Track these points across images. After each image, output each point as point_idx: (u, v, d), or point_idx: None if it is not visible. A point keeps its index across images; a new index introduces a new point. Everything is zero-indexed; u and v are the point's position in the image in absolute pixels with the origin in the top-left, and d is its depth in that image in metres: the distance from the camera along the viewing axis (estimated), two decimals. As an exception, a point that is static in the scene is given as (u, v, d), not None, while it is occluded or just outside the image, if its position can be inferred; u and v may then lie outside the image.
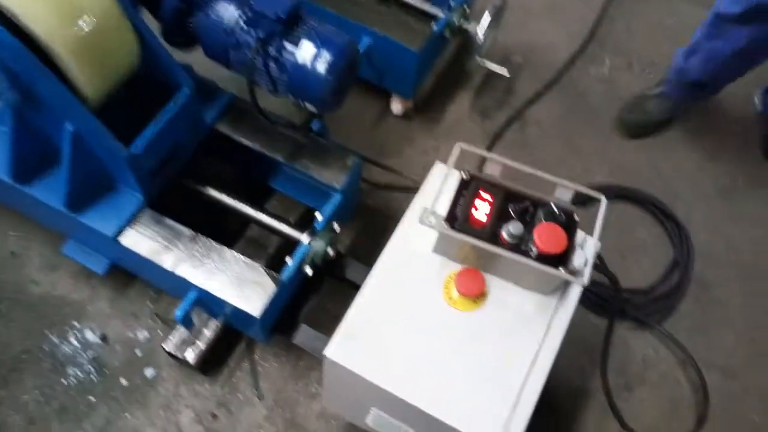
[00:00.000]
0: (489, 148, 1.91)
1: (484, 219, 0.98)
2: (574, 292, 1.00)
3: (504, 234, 0.96)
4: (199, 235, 1.35)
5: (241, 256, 1.33)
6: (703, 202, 1.83)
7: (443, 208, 0.99)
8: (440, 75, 2.00)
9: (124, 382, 1.48)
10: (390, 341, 0.97)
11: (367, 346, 0.96)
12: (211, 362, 1.49)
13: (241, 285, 1.30)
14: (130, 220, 1.34)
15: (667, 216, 1.76)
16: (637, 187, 1.82)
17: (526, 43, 2.11)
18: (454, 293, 0.99)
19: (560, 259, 0.95)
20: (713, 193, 1.86)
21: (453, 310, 0.99)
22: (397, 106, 1.92)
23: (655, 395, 1.53)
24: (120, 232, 1.33)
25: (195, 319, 1.44)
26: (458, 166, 1.04)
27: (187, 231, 1.35)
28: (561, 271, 0.94)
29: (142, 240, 1.33)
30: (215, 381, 1.50)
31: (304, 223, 1.47)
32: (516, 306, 1.00)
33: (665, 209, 1.76)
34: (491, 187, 1.01)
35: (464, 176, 1.01)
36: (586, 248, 1.00)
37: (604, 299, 1.59)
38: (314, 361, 1.51)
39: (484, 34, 1.76)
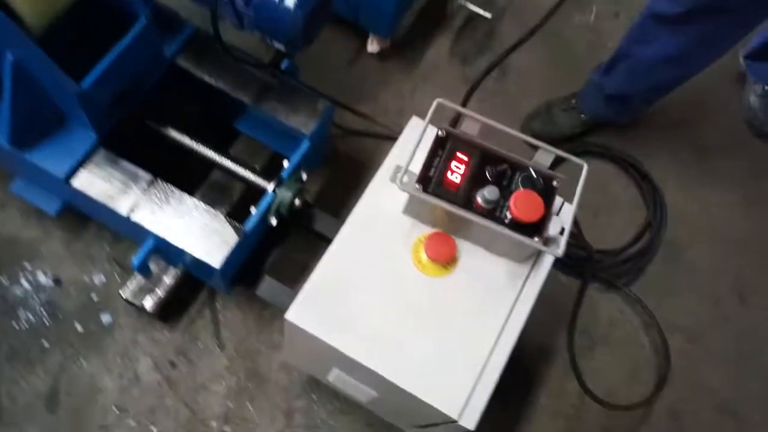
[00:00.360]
0: (468, 96, 1.83)
1: (458, 181, 0.92)
2: (547, 261, 0.96)
3: (479, 199, 0.90)
4: (158, 179, 1.27)
5: (203, 204, 1.26)
6: (679, 164, 1.80)
7: (417, 166, 0.93)
8: (420, 14, 1.89)
9: (78, 327, 1.43)
10: (354, 305, 0.93)
11: (330, 309, 0.92)
12: (171, 310, 1.44)
13: (202, 234, 1.24)
14: (83, 161, 1.25)
15: (643, 176, 1.73)
16: (614, 145, 1.77)
17: (511, -16, 2.01)
18: (423, 257, 0.95)
19: (535, 228, 0.90)
20: (690, 155, 1.82)
21: (421, 275, 0.95)
22: (373, 46, 1.82)
23: (618, 357, 1.54)
24: (71, 173, 1.24)
25: (154, 265, 1.38)
26: (435, 120, 0.97)
27: (145, 174, 1.27)
28: (535, 241, 0.89)
29: (95, 182, 1.25)
30: (175, 329, 1.46)
31: (271, 169, 1.40)
32: (487, 273, 0.96)
33: (641, 169, 1.73)
34: (468, 146, 0.95)
35: (440, 133, 0.95)
36: (563, 215, 0.96)
37: (575, 260, 1.58)
38: (278, 310, 1.46)
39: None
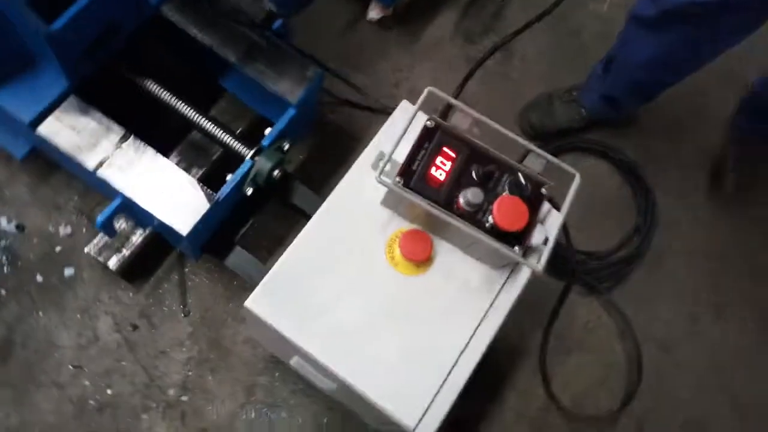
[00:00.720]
0: (468, 76, 1.74)
1: (442, 178, 0.86)
2: (525, 272, 0.91)
3: (461, 200, 0.85)
4: (132, 135, 1.20)
5: (176, 166, 1.20)
6: (677, 167, 1.75)
7: (402, 154, 0.87)
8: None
9: (39, 278, 1.37)
10: (319, 297, 0.88)
11: (292, 299, 0.87)
12: (138, 270, 1.39)
13: (172, 198, 1.18)
14: (51, 107, 1.18)
15: (637, 178, 1.67)
16: (610, 143, 1.71)
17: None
18: (397, 254, 0.90)
19: (517, 237, 0.86)
20: (689, 158, 1.77)
21: (394, 272, 0.90)
22: (374, 13, 1.73)
23: (590, 362, 1.52)
24: (38, 119, 1.17)
25: (123, 222, 1.33)
26: (428, 104, 0.91)
27: (118, 128, 1.20)
28: (515, 252, 0.84)
29: (63, 131, 1.18)
30: (140, 290, 1.41)
31: (253, 133, 1.33)
32: (462, 277, 0.92)
33: (636, 171, 1.67)
34: (456, 141, 0.89)
35: (428, 124, 0.89)
36: (550, 224, 0.90)
37: (559, 261, 1.53)
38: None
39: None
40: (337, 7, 1.73)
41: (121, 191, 1.17)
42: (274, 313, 0.86)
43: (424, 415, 0.84)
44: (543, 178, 0.89)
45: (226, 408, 1.36)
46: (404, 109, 0.98)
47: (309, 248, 0.90)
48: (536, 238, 0.88)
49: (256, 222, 1.40)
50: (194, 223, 1.16)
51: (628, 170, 1.68)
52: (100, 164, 1.17)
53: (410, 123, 0.88)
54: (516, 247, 0.85)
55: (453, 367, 0.87)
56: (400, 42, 1.75)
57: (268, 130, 1.29)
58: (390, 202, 0.90)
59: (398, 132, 0.87)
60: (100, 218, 1.18)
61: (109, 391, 1.33)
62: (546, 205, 0.95)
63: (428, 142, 0.88)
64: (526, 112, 1.71)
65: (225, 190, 1.20)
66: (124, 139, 1.19)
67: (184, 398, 1.35)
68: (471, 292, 0.91)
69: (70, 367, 1.33)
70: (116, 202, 1.19)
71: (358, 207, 0.93)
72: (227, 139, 1.28)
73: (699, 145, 1.78)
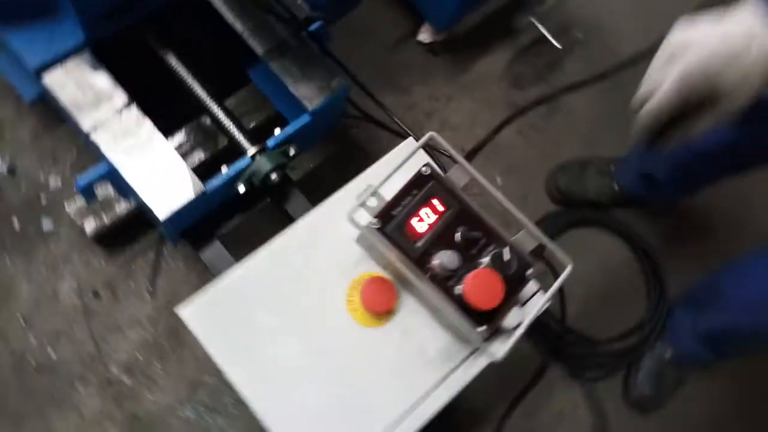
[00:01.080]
0: (506, 122, 1.67)
1: (422, 231, 0.79)
2: (483, 360, 0.82)
3: (435, 260, 0.77)
4: (136, 105, 1.15)
5: (172, 147, 1.15)
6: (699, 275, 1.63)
7: (391, 193, 0.80)
8: (487, 18, 1.72)
9: (16, 224, 1.34)
10: (261, 326, 0.81)
11: (231, 321, 0.80)
12: (115, 240, 1.34)
13: (159, 179, 1.12)
14: (62, 58, 1.14)
15: (655, 272, 1.56)
16: (637, 228, 1.60)
17: (594, 20, 1.82)
18: (358, 300, 0.82)
19: (486, 316, 0.77)
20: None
21: (348, 319, 0.83)
22: (424, 35, 1.67)
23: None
24: (45, 66, 1.13)
25: (111, 189, 1.28)
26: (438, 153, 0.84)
27: (123, 95, 1.15)
28: (478, 332, 0.76)
29: (67, 85, 1.13)
30: (113, 259, 1.36)
31: (268, 129, 1.27)
32: (420, 341, 0.84)
33: (656, 266, 1.56)
34: (448, 196, 0.81)
35: (423, 170, 0.81)
36: (529, 309, 0.81)
37: (549, 333, 1.44)
38: (222, 278, 1.36)
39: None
40: (390, 22, 1.67)
41: (109, 159, 1.12)
42: (207, 328, 0.79)
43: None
44: (531, 259, 0.81)
45: (166, 400, 1.30)
46: (408, 146, 0.90)
47: (265, 268, 0.84)
48: (509, 321, 0.79)
49: (244, 221, 1.34)
50: (174, 210, 1.11)
51: (648, 262, 1.57)
52: (95, 127, 1.12)
53: (405, 162, 0.80)
54: (482, 327, 0.77)
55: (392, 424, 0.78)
56: (445, 71, 1.68)
57: (277, 131, 1.23)
58: (363, 241, 0.82)
59: (395, 165, 0.80)
60: (80, 181, 1.14)
61: (52, 354, 1.28)
62: (532, 286, 0.86)
63: (418, 190, 0.81)
64: (556, 173, 1.61)
65: (215, 183, 1.15)
66: (126, 107, 1.15)
67: (126, 380, 1.30)
68: (426, 360, 0.83)
69: (21, 319, 1.29)
70: (101, 169, 1.14)
71: (332, 238, 0.86)
72: (233, 130, 1.22)
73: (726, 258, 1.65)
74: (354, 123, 1.56)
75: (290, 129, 1.23)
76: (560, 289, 1.42)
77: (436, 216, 0.80)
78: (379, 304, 0.81)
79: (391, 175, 0.80)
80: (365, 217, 0.78)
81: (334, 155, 1.50)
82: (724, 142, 1.23)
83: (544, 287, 0.87)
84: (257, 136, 1.22)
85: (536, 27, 1.65)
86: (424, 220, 0.79)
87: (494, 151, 1.63)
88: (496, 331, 0.82)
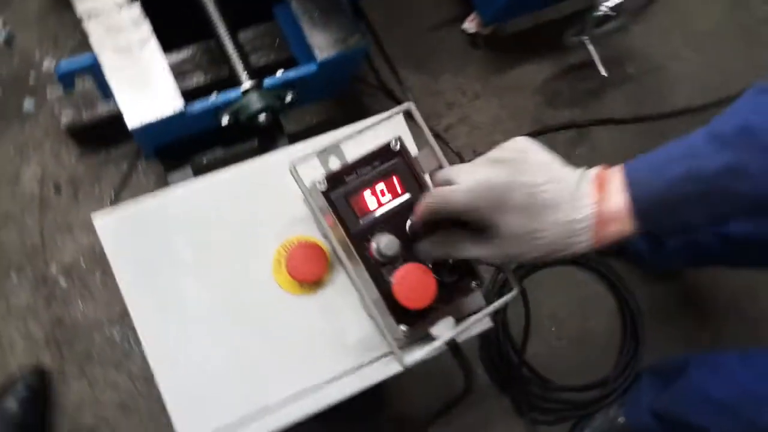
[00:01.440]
0: (529, 136, 1.57)
1: (372, 208, 0.71)
2: (411, 357, 0.74)
3: (373, 243, 0.69)
4: (140, 5, 1.08)
5: (164, 59, 1.08)
6: (685, 340, 1.52)
7: (354, 154, 0.72)
8: (538, 25, 1.62)
9: (-2, 95, 1.29)
10: (176, 260, 0.74)
11: (146, 247, 0.73)
12: (90, 139, 1.29)
13: (140, 87, 1.06)
14: (78, -64, 1.08)
15: (634, 332, 1.46)
16: (628, 281, 1.50)
17: (653, 60, 1.70)
18: (282, 263, 0.75)
19: (413, 316, 0.69)
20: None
21: (270, 279, 0.76)
22: (470, 25, 1.58)
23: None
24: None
25: (93, 86, 1.22)
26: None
27: (131, -10, 1.09)
28: (395, 331, 0.68)
29: (76, -35, 1.07)
30: (84, 159, 1.31)
31: (275, 71, 1.20)
32: (341, 323, 0.76)
33: (636, 323, 1.46)
34: (411, 179, 0.73)
35: (393, 144, 0.73)
36: (465, 325, 0.72)
37: (504, 361, 1.36)
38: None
39: (608, 10, 1.38)
40: (435, 4, 1.58)
41: (95, 51, 1.06)
42: (119, 244, 0.72)
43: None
44: (479, 271, 0.72)
45: (96, 314, 1.25)
46: (399, 111, 0.80)
47: (201, 200, 0.76)
48: (438, 329, 0.71)
49: (224, 156, 1.27)
50: (145, 122, 1.04)
51: (630, 320, 1.47)
52: (89, 15, 1.06)
53: (395, 125, 0.72)
54: (402, 326, 0.69)
55: (278, 410, 0.71)
56: (480, 67, 1.59)
57: (279, 72, 1.16)
58: (309, 202, 0.74)
59: (374, 126, 0.72)
60: (62, 66, 1.08)
61: (-5, 236, 1.24)
62: (478, 301, 0.78)
63: (380, 162, 0.72)
64: None
65: (197, 106, 1.08)
66: (129, 3, 1.08)
67: (63, 282, 1.25)
68: (341, 345, 0.75)
69: (-25, 193, 1.24)
70: (85, 60, 1.08)
71: (280, 189, 0.78)
72: (234, 58, 1.14)
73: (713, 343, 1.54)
74: (369, 91, 1.48)
75: (292, 73, 1.15)
76: (527, 319, 1.37)
77: (392, 196, 0.71)
78: (304, 272, 0.73)
79: (353, 135, 0.72)
80: (315, 176, 0.70)
81: (337, 117, 1.43)
82: (756, 234, 1.13)
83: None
84: (261, 75, 1.15)
85: (587, 48, 1.54)
86: (376, 197, 0.71)
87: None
88: (426, 337, 0.74)
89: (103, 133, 1.26)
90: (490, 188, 0.60)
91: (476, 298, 0.78)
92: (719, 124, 0.58)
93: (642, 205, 0.58)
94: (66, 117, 1.22)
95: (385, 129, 0.77)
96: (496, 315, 1.41)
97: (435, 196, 0.64)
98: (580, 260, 1.48)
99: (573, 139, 1.61)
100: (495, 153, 0.64)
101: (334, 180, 0.70)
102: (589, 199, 0.59)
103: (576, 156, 1.59)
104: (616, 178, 0.60)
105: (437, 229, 0.68)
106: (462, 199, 0.61)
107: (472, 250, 0.64)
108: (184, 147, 1.20)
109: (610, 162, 0.64)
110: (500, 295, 0.73)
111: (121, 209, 0.74)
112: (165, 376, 0.71)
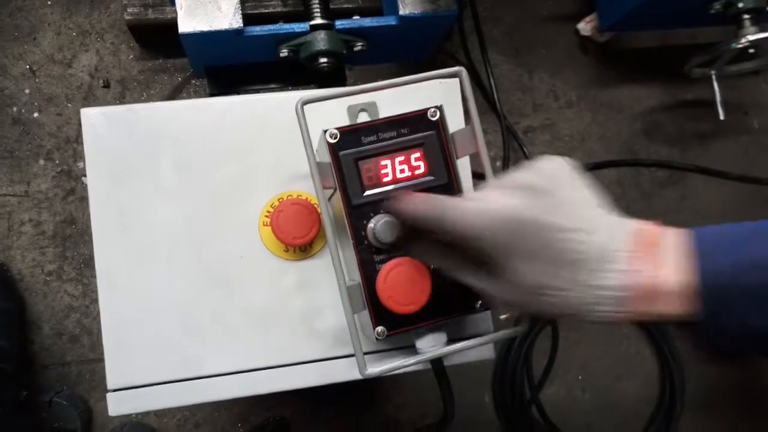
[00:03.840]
0: (615, 164, 1.40)
1: (384, 181, 0.59)
2: (382, 365, 0.62)
3: (370, 224, 0.57)
4: None
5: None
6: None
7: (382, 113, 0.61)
8: (663, 46, 1.43)
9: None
10: (157, 178, 0.65)
11: (130, 153, 0.65)
12: (152, 42, 1.23)
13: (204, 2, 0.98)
14: None
15: (671, 406, 1.27)
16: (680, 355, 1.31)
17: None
18: (272, 218, 0.64)
19: (402, 319, 0.57)
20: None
21: (253, 231, 0.65)
22: (585, 27, 1.41)
23: None
24: None
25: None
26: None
27: None
28: (370, 334, 0.57)
29: None
30: (141, 61, 1.25)
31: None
32: (318, 304, 0.65)
33: (675, 393, 1.27)
34: (438, 159, 0.60)
35: (431, 114, 0.60)
36: (461, 348, 0.60)
37: (515, 394, 1.21)
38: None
39: (748, 43, 1.19)
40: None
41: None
42: (100, 141, 0.64)
43: (125, 391, 0.60)
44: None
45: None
46: (448, 75, 0.67)
47: (207, 120, 0.67)
48: (423, 343, 0.59)
49: (273, 87, 1.19)
50: (197, 30, 0.96)
51: (670, 392, 1.28)
52: None
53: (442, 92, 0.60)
54: (380, 328, 0.57)
55: (213, 385, 0.61)
56: (583, 74, 1.42)
57: (355, 18, 1.05)
58: (321, 155, 0.63)
59: (414, 90, 0.61)
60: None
61: (36, 114, 1.20)
62: (485, 325, 0.65)
63: (409, 131, 0.60)
64: None
65: (254, 29, 0.99)
66: None
67: (85, 181, 1.20)
68: (310, 329, 0.64)
69: (27, 66, 1.20)
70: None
71: (292, 132, 0.67)
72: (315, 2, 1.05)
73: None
74: (452, 64, 1.34)
75: (368, 22, 1.04)
76: (550, 359, 1.22)
77: (410, 174, 0.59)
78: (287, 234, 0.62)
79: (384, 87, 0.59)
80: (329, 125, 0.59)
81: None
82: None
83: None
84: (339, 16, 1.05)
85: (711, 84, 1.35)
86: (393, 170, 0.59)
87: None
88: (409, 347, 0.62)
89: (165, 40, 1.19)
90: (505, 220, 0.46)
91: (483, 319, 0.65)
92: None
93: (711, 286, 0.43)
94: (130, 11, 1.16)
95: (435, 97, 0.65)
96: (521, 343, 1.27)
97: (435, 205, 0.50)
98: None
99: (662, 181, 1.42)
100: (528, 176, 0.48)
101: (349, 135, 0.59)
102: (623, 264, 0.44)
103: (663, 198, 1.40)
104: (671, 241, 0.45)
105: (424, 235, 0.54)
106: (468, 222, 0.47)
107: (469, 278, 0.51)
108: (237, 75, 1.12)
109: (699, 219, 0.48)
110: (530, 323, 0.60)
111: (116, 108, 0.65)
112: (109, 310, 0.62)
